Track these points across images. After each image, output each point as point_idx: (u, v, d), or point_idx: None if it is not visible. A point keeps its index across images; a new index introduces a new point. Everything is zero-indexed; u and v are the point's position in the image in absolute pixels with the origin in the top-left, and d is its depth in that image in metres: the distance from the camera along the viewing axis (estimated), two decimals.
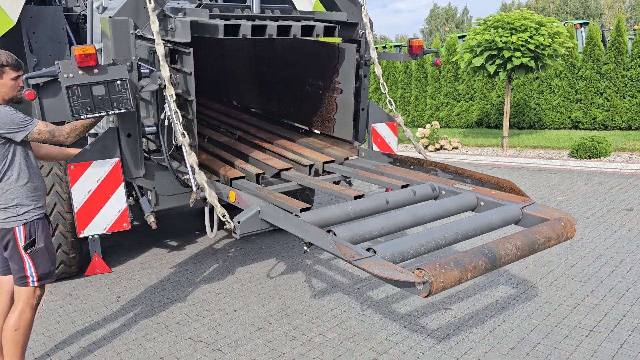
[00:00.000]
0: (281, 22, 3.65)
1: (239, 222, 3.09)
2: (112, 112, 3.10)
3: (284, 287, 4.59)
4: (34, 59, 4.69)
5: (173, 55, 3.53)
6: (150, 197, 3.79)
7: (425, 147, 11.91)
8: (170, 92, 3.29)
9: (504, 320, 3.79)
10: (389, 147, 4.85)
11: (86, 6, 5.01)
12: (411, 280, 2.38)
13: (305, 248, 3.00)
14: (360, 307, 4.12)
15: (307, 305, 4.22)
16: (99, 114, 3.09)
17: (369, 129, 4.68)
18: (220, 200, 3.36)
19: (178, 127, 3.30)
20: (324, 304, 4.23)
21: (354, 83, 4.23)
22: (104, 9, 3.64)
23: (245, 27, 3.42)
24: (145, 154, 3.77)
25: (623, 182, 7.73)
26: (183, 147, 3.27)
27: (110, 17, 3.24)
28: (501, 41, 9.92)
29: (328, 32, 3.86)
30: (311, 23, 3.76)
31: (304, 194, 5.95)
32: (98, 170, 3.41)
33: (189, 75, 3.42)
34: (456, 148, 11.87)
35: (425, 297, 2.43)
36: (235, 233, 3.11)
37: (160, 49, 3.26)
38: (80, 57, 2.97)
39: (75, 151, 3.52)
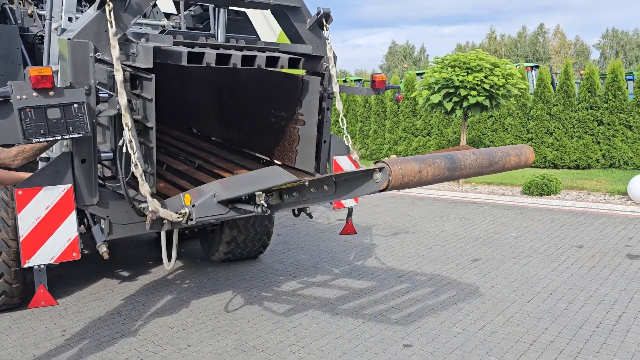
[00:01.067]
0: (246, 52, 3.63)
1: (193, 206, 3.03)
2: (67, 137, 2.97)
3: (241, 321, 4.45)
4: None
5: (134, 80, 3.44)
6: (103, 226, 3.62)
7: None
8: (126, 120, 3.19)
9: (463, 357, 3.77)
10: None
11: (43, 27, 4.86)
12: (370, 168, 2.37)
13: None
14: (319, 343, 4.02)
15: (264, 340, 4.09)
16: (53, 138, 2.95)
17: (331, 161, 4.67)
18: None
19: (132, 157, 3.21)
20: (282, 339, 4.11)
21: (317, 115, 4.23)
22: (63, 30, 3.52)
23: (210, 56, 3.38)
24: (100, 181, 3.62)
25: (573, 220, 8.00)
26: (138, 177, 3.16)
27: (69, 39, 3.14)
28: (458, 80, 10.26)
29: (292, 64, 3.86)
30: (276, 54, 3.75)
31: (263, 224, 5.86)
32: (48, 197, 3.24)
33: (149, 102, 3.33)
34: None
35: (385, 189, 2.35)
36: (191, 220, 3.02)
37: (119, 76, 3.17)
38: (35, 78, 2.85)
39: (24, 175, 3.34)
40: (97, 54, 3.21)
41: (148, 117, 3.38)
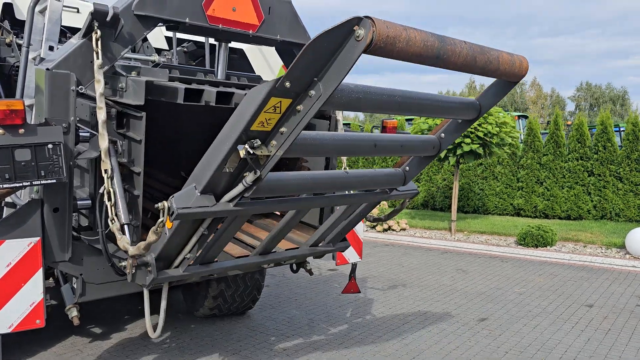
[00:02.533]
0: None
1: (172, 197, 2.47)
2: (37, 183, 2.50)
3: None
4: None
5: (120, 118, 3.01)
6: (74, 285, 3.10)
7: (374, 227, 11.62)
8: (106, 166, 2.74)
9: None
10: (354, 234, 4.41)
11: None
12: (347, 20, 1.95)
13: None
14: None
15: None
16: (20, 184, 2.49)
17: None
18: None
19: (109, 210, 2.74)
20: None
21: (324, 163, 3.84)
22: (42, 60, 3.11)
23: (209, 94, 2.98)
24: (74, 232, 3.12)
25: (575, 275, 7.64)
26: (115, 231, 2.69)
27: (47, 68, 2.72)
28: None
29: None
30: None
31: (253, 278, 5.35)
32: (10, 252, 2.73)
33: (138, 143, 2.90)
34: (404, 229, 11.66)
35: (368, 47, 1.92)
36: (171, 215, 2.46)
37: (101, 115, 2.73)
38: (3, 112, 2.41)
39: None
40: (80, 87, 2.79)
41: (135, 161, 2.94)
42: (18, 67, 4.42)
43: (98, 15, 2.75)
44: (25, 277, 2.75)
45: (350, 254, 4.38)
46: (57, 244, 2.90)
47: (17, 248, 2.74)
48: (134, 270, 2.76)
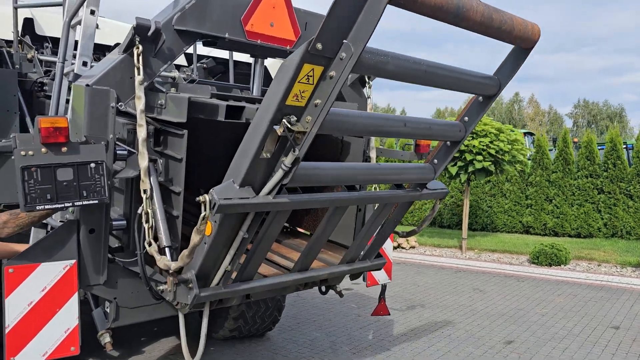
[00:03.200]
0: None
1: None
2: (79, 204, 2.39)
3: None
4: None
5: (157, 136, 2.91)
6: (107, 309, 2.96)
7: None
8: (145, 186, 2.64)
9: None
10: (384, 253, 4.29)
11: (45, 73, 4.33)
12: None
13: None
14: None
15: None
16: (62, 205, 2.37)
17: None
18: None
19: (147, 233, 2.64)
20: None
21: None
22: (77, 76, 3.01)
23: (250, 111, 2.88)
24: (109, 255, 2.99)
25: (594, 295, 7.51)
26: (153, 253, 2.57)
27: (87, 84, 2.62)
28: (464, 144, 9.98)
29: None
30: None
31: (274, 299, 5.20)
32: (46, 276, 2.60)
33: (178, 162, 2.79)
34: (413, 247, 11.52)
35: None
36: (213, 208, 2.33)
37: (142, 132, 2.64)
38: (47, 130, 2.30)
39: (18, 248, 2.72)
40: (120, 104, 2.69)
41: (174, 180, 2.83)
42: (41, 83, 4.33)
43: (140, 29, 2.66)
44: (60, 302, 2.61)
45: (380, 275, 4.25)
46: (93, 267, 2.77)
47: (53, 272, 2.61)
48: (175, 289, 2.63)
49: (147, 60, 2.75)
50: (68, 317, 2.62)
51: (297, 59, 2.10)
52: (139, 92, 2.62)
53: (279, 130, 2.20)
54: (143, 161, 2.63)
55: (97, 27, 4.36)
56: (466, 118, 3.21)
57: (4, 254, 2.78)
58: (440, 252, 11.14)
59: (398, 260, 10.15)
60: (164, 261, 2.59)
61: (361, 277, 4.24)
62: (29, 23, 5.05)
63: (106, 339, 2.90)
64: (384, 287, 4.40)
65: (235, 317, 5.09)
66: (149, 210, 2.67)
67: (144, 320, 3.07)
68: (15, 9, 4.45)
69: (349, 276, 3.77)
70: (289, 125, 2.18)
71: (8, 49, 4.45)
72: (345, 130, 2.75)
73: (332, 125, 2.50)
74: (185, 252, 2.49)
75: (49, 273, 2.61)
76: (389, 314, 4.68)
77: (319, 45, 2.08)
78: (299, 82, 2.15)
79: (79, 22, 3.13)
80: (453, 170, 10.20)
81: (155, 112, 2.87)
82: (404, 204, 3.49)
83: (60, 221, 2.89)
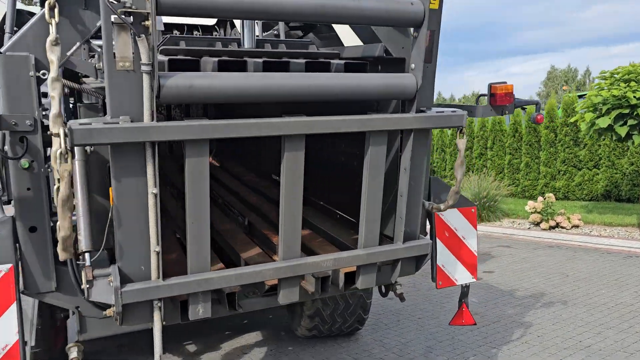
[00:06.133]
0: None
1: None
2: None
3: None
4: None
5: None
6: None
7: (537, 224, 9.79)
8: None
9: None
10: (464, 245, 3.23)
11: None
12: None
13: None
14: None
15: None
16: None
17: (432, 218, 3.14)
18: None
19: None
20: None
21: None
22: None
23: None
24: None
25: None
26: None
27: (0, 52, 2.15)
28: (635, 97, 7.90)
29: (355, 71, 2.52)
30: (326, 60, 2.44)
31: (356, 295, 4.42)
32: None
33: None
34: (577, 226, 9.58)
35: None
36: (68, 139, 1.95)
37: (54, 106, 2.03)
38: None
39: None
40: (43, 72, 2.17)
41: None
42: None
43: None
44: None
45: (460, 273, 3.20)
46: (40, 271, 2.35)
47: None
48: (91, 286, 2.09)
49: (73, 12, 2.18)
50: (5, 332, 2.21)
51: None
52: (50, 54, 2.04)
53: (115, 19, 1.85)
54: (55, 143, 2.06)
55: None
56: None
57: None
58: (610, 231, 9.11)
59: (552, 242, 8.50)
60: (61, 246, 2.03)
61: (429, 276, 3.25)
62: None
63: (72, 354, 2.46)
64: (465, 289, 3.33)
65: (311, 315, 4.45)
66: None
67: (120, 333, 2.58)
68: None
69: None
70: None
71: None
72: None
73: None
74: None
75: None
76: (475, 323, 3.57)
77: None
78: None
79: None
80: (622, 131, 8.16)
81: (97, 78, 2.31)
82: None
83: None
